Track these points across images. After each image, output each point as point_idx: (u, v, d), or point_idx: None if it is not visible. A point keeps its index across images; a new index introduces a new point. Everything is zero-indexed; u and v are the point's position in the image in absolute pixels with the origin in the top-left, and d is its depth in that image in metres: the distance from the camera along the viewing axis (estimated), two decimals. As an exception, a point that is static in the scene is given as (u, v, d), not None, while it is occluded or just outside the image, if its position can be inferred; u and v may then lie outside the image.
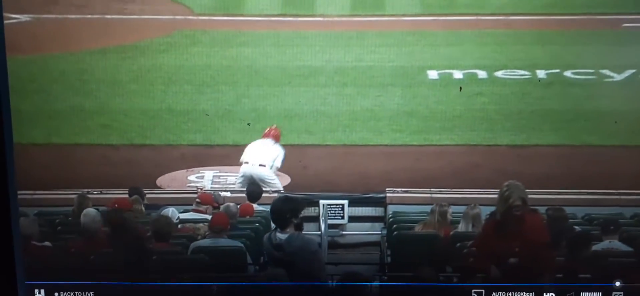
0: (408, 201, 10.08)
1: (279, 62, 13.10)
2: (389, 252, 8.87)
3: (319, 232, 9.59)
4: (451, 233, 8.59)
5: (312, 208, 9.90)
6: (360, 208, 10.12)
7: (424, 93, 12.69)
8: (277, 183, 10.71)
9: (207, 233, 8.35)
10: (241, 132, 11.66)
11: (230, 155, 11.18)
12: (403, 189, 10.31)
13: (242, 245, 8.12)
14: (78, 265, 7.46)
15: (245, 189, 10.28)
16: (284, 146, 10.88)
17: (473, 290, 6.93)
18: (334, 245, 9.80)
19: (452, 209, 8.94)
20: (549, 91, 12.76)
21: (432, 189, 10.19)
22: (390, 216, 9.72)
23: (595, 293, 6.88)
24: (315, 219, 9.88)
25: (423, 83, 12.87)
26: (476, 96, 12.61)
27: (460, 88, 12.32)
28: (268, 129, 10.91)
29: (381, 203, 10.18)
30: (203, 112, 12.10)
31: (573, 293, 6.89)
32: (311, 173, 10.96)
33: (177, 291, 7.38)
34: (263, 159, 10.71)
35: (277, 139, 10.88)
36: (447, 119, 12.15)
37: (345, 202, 9.97)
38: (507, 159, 11.45)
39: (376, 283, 7.39)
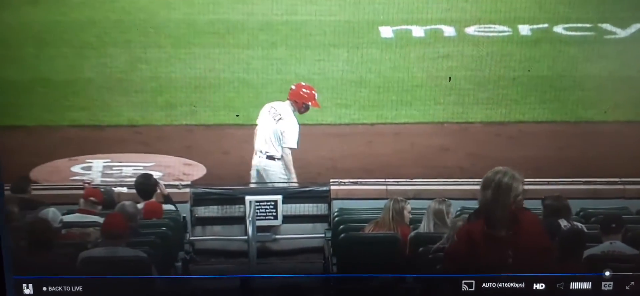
0: (358, 194, 10.27)
1: (185, 16, 13.16)
2: (334, 259, 9.14)
3: (245, 237, 9.70)
4: (411, 234, 8.89)
5: (237, 206, 10.09)
6: (297, 205, 10.24)
7: (376, 56, 12.80)
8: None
9: (99, 240, 8.51)
10: (139, 108, 11.71)
11: (125, 139, 11.27)
12: (351, 181, 10.47)
13: (145, 255, 8.31)
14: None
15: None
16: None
17: (463, 281, 7.33)
18: (264, 253, 9.90)
19: (411, 205, 9.23)
20: (535, 51, 12.95)
21: (388, 180, 10.36)
22: (335, 214, 9.93)
23: (585, 283, 7.37)
24: (240, 220, 10.04)
25: (374, 43, 12.99)
26: (442, 59, 12.80)
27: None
28: (295, 86, 10.64)
29: (324, 197, 10.34)
30: (90, 84, 12.15)
31: (563, 283, 7.39)
32: (234, 161, 11.02)
33: (171, 284, 7.73)
34: (270, 144, 10.50)
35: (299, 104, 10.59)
36: (406, 89, 12.35)
37: (279, 198, 10.08)
38: (482, 140, 11.72)
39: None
